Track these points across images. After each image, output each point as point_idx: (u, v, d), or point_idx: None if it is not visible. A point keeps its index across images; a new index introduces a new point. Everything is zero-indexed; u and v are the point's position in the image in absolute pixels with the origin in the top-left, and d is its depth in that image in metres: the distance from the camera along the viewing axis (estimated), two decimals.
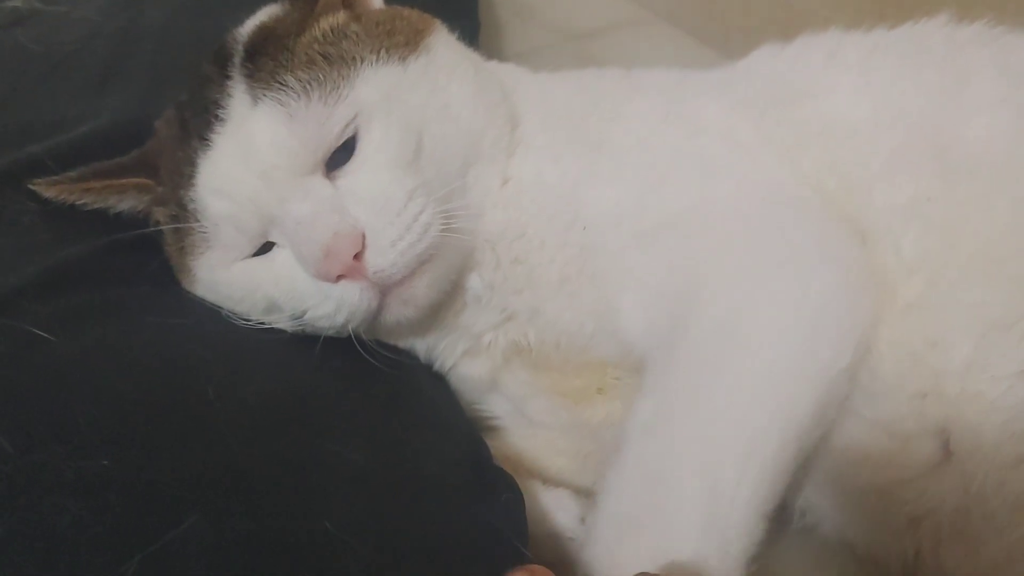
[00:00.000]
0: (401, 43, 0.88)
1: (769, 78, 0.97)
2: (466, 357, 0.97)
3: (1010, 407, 0.73)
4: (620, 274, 0.85)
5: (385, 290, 0.82)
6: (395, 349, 0.92)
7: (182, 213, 0.85)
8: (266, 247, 0.85)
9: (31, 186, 0.87)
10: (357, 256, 0.79)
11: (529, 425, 0.99)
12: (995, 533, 0.74)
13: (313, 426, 0.72)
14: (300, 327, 0.85)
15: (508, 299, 0.91)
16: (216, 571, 0.57)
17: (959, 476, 0.74)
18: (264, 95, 0.81)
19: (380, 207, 0.81)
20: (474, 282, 0.91)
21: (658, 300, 0.82)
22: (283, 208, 0.81)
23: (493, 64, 1.05)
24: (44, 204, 0.87)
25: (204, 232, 0.84)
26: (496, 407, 1.00)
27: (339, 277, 0.80)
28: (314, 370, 0.80)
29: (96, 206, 0.89)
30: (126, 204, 0.91)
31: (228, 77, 0.84)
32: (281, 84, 0.81)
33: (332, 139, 0.81)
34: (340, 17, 0.89)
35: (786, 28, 1.03)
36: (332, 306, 0.82)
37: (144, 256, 0.89)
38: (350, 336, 0.85)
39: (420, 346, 0.97)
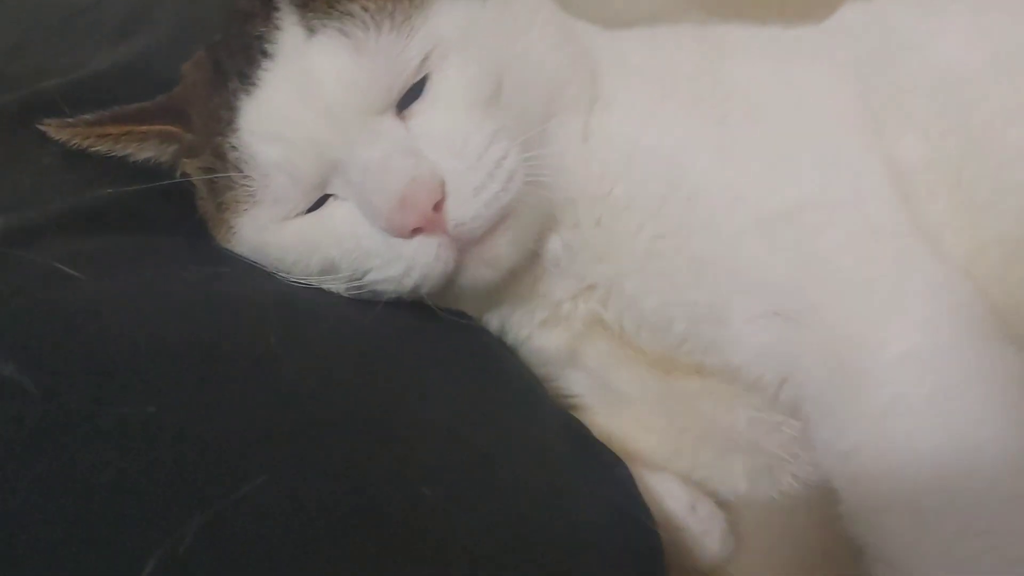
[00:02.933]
0: None
1: (864, 36, 0.88)
2: (542, 327, 0.86)
3: None
4: (732, 265, 0.75)
5: (463, 247, 0.72)
6: (460, 313, 0.81)
7: (220, 164, 0.75)
8: (319, 202, 0.75)
9: (40, 126, 0.77)
10: (436, 207, 0.69)
11: (614, 401, 0.88)
12: None
13: (394, 380, 0.60)
14: (357, 290, 0.74)
15: (587, 267, 0.82)
16: (291, 540, 0.46)
17: None
18: (324, 25, 0.71)
19: (460, 149, 0.71)
20: (554, 244, 0.81)
21: (778, 313, 0.72)
22: (350, 152, 0.71)
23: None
24: (63, 146, 0.77)
25: (249, 185, 0.74)
26: (575, 384, 0.89)
27: (414, 231, 0.69)
28: (381, 323, 0.69)
29: (113, 154, 0.79)
30: (147, 153, 0.81)
31: (275, 9, 0.74)
32: (344, 12, 0.71)
33: (408, 75, 0.72)
34: None
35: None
36: (402, 266, 0.71)
37: (180, 208, 0.78)
38: None
39: (492, 317, 0.86)
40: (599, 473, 0.65)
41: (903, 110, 0.81)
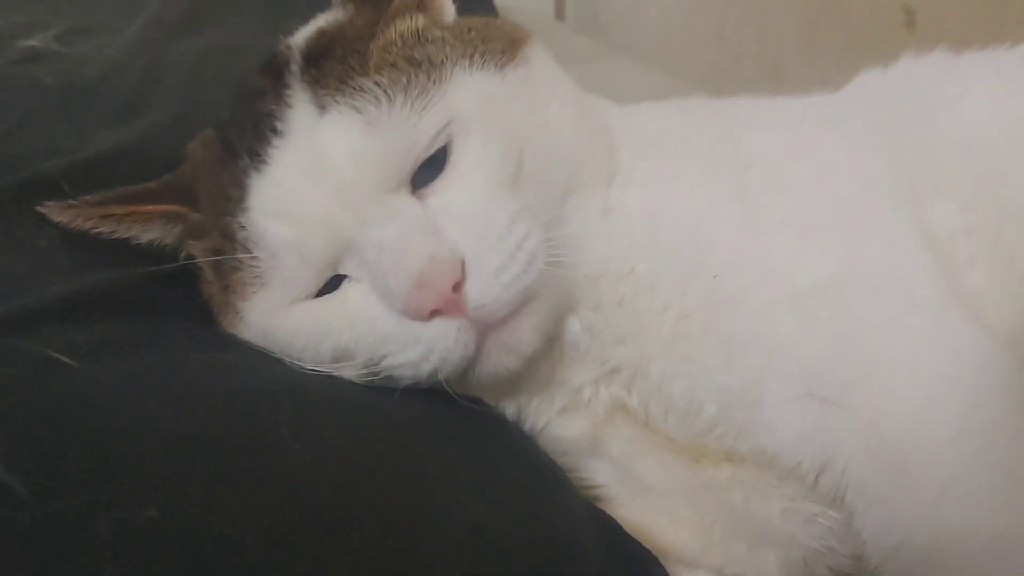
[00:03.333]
0: (497, 51, 0.77)
1: (885, 101, 0.87)
2: (561, 415, 0.82)
3: None
4: (765, 344, 0.71)
5: (484, 331, 0.68)
6: (476, 399, 0.77)
7: (228, 244, 0.72)
8: (330, 284, 0.72)
9: (40, 209, 0.74)
10: (455, 288, 0.66)
11: (640, 491, 0.83)
12: None
13: (414, 471, 0.56)
14: (371, 377, 0.70)
15: (609, 349, 0.78)
16: None
17: None
18: (336, 102, 0.69)
19: (482, 229, 0.68)
20: (573, 326, 0.78)
21: (815, 395, 0.69)
22: (364, 231, 0.68)
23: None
24: (63, 229, 0.74)
25: (257, 266, 0.71)
26: (599, 474, 0.84)
27: (432, 313, 0.66)
28: (397, 409, 0.65)
29: (116, 236, 0.76)
30: (151, 235, 0.78)
31: (286, 86, 0.73)
32: (356, 88, 0.69)
33: (421, 148, 0.69)
34: (420, 20, 0.78)
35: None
36: (420, 351, 0.67)
37: (184, 292, 0.75)
38: None
39: (508, 404, 0.82)
40: (632, 571, 0.60)
41: (934, 175, 0.79)
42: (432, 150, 0.70)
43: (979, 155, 0.78)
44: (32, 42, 1.10)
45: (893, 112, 0.84)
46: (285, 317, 0.71)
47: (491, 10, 1.66)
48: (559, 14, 2.41)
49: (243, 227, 0.70)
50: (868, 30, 1.68)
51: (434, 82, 0.71)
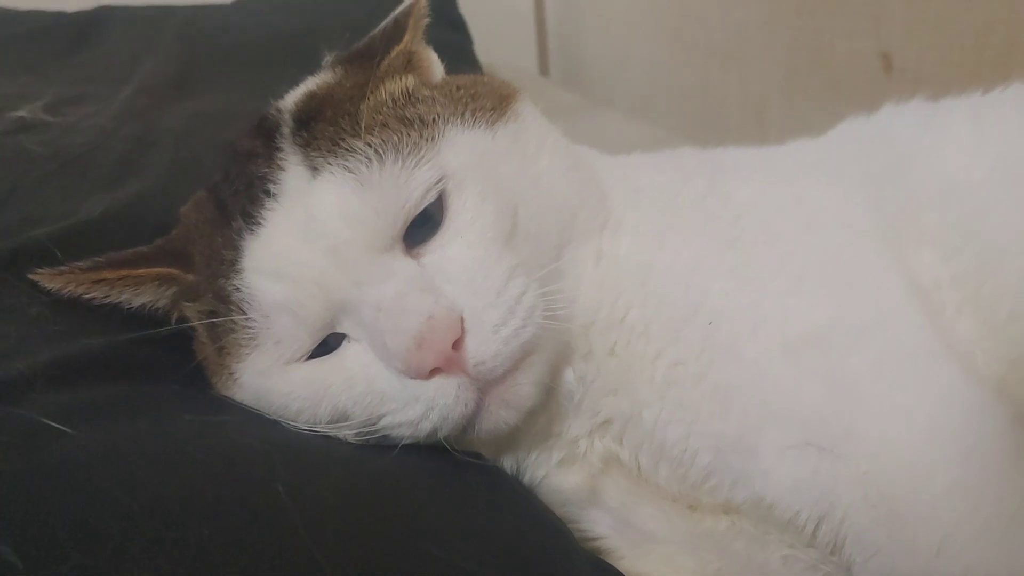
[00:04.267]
0: (488, 107, 0.78)
1: (868, 150, 0.88)
2: (560, 466, 0.82)
3: None
4: (759, 392, 0.71)
5: (484, 388, 0.68)
6: (476, 454, 0.76)
7: (222, 306, 0.71)
8: (323, 346, 0.71)
9: (31, 276, 0.74)
10: (455, 345, 0.65)
11: (640, 541, 0.81)
12: None
13: (411, 527, 0.55)
14: (368, 437, 0.69)
15: (601, 400, 0.78)
16: None
17: None
18: (327, 163, 0.69)
19: (479, 286, 0.68)
20: (568, 377, 0.77)
21: (810, 443, 0.68)
22: (359, 292, 0.68)
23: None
24: (54, 295, 0.74)
25: (251, 327, 0.70)
26: (598, 524, 0.83)
27: (432, 372, 0.66)
28: (395, 466, 0.65)
29: (108, 301, 0.75)
30: (144, 299, 0.77)
31: (277, 149, 0.73)
32: (348, 149, 0.70)
33: (412, 205, 0.69)
34: (409, 80, 0.79)
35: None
36: (420, 410, 0.67)
37: (177, 356, 0.74)
38: None
39: (508, 458, 0.81)
40: None
41: (917, 225, 0.79)
42: (422, 206, 0.70)
43: (957, 204, 0.79)
44: (21, 113, 1.12)
45: (876, 162, 0.85)
46: (280, 379, 0.71)
47: (476, 68, 1.68)
48: (543, 70, 2.44)
49: (237, 288, 0.70)
50: (847, 76, 1.71)
51: (426, 140, 0.71)
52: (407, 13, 0.83)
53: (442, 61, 0.86)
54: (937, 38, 1.50)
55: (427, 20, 0.84)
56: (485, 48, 1.86)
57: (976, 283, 0.76)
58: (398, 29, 0.82)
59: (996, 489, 0.65)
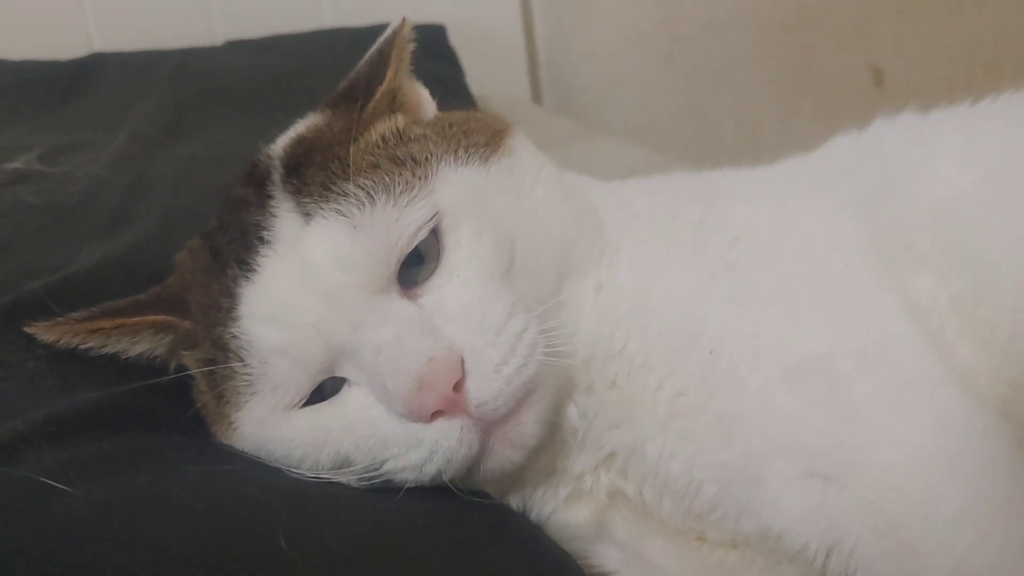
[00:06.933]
0: (481, 143, 0.78)
1: (860, 170, 0.87)
2: (567, 501, 0.80)
3: None
4: (762, 421, 0.70)
5: (487, 428, 0.67)
6: (482, 493, 0.75)
7: (220, 354, 0.71)
8: (319, 393, 0.70)
9: (27, 330, 0.73)
10: (456, 386, 0.65)
11: (651, 574, 0.80)
12: None
13: (416, 572, 0.54)
14: (370, 481, 0.68)
15: (603, 434, 0.76)
16: None
17: None
18: (319, 208, 0.69)
19: (479, 325, 0.67)
20: (571, 412, 0.76)
21: (816, 472, 0.67)
22: (357, 335, 0.67)
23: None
24: (51, 348, 0.73)
25: (249, 374, 0.69)
26: (608, 559, 0.81)
27: (435, 414, 0.65)
28: (399, 509, 0.64)
29: (105, 350, 0.75)
30: (141, 348, 0.76)
31: (269, 196, 0.73)
32: (339, 193, 0.69)
33: (404, 242, 0.68)
34: (399, 120, 0.78)
35: None
36: (423, 453, 0.66)
37: (177, 404, 0.73)
38: None
39: (514, 496, 0.80)
40: None
41: (911, 247, 0.78)
42: (414, 244, 0.69)
43: (949, 222, 0.78)
44: (16, 164, 1.11)
45: (868, 181, 0.84)
46: (280, 425, 0.70)
47: (469, 100, 1.68)
48: (536, 98, 2.44)
49: (235, 336, 0.69)
50: (839, 92, 1.71)
51: (419, 179, 0.71)
52: (390, 43, 0.82)
53: (435, 95, 0.86)
54: (927, 52, 1.50)
55: (413, 46, 0.83)
56: (477, 79, 1.87)
57: (973, 303, 0.75)
58: (382, 62, 0.81)
59: (1006, 514, 0.64)
